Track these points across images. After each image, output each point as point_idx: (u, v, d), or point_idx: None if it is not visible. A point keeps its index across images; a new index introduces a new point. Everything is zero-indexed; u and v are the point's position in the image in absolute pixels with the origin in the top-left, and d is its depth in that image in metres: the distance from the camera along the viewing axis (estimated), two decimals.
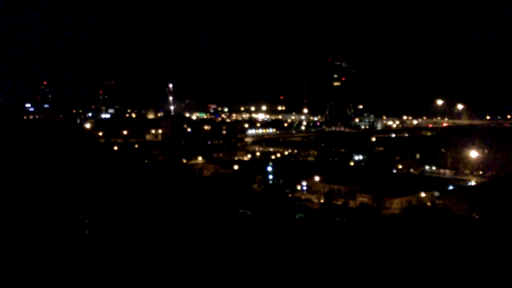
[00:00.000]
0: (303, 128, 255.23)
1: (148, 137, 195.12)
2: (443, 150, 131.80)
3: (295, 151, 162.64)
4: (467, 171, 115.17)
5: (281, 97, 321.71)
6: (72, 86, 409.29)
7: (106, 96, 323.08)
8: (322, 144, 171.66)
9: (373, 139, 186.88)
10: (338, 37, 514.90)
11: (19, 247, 34.27)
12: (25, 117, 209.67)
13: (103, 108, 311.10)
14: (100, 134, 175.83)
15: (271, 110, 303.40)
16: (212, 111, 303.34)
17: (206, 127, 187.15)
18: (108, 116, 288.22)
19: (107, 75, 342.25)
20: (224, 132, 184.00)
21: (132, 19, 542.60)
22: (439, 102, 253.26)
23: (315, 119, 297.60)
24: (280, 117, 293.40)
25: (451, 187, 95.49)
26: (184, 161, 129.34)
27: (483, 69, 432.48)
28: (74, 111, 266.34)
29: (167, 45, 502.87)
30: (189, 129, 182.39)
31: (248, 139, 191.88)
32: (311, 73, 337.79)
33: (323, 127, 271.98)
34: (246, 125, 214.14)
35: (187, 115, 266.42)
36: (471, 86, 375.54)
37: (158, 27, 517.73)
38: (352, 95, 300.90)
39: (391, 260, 37.73)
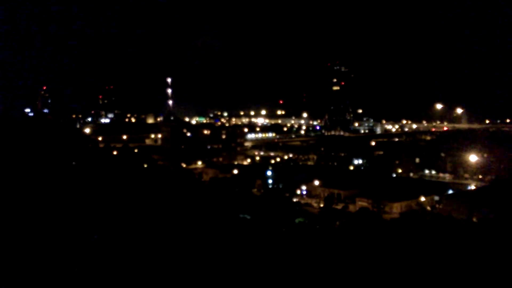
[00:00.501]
0: (302, 132, 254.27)
1: (147, 141, 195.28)
2: (442, 154, 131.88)
3: (295, 155, 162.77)
4: (466, 175, 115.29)
5: (281, 102, 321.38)
6: (72, 91, 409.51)
7: (105, 101, 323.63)
8: (322, 149, 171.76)
9: (373, 143, 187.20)
10: (338, 42, 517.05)
11: (20, 249, 34.28)
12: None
13: (103, 112, 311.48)
14: (100, 138, 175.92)
15: (271, 115, 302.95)
16: (211, 115, 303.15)
17: (205, 132, 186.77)
18: (107, 120, 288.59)
19: (106, 80, 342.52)
20: (223, 136, 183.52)
21: (132, 23, 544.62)
22: (439, 106, 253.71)
23: (315, 123, 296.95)
24: (279, 121, 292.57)
25: (451, 191, 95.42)
26: (184, 165, 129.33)
27: (483, 73, 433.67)
28: (73, 116, 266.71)
29: (167, 50, 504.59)
30: (188, 134, 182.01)
31: (247, 144, 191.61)
32: (310, 77, 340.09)
33: (323, 131, 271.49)
34: (246, 130, 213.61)
35: (187, 119, 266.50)
36: (470, 90, 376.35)
37: (158, 32, 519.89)
38: (352, 99, 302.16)
39: (391, 264, 37.68)
